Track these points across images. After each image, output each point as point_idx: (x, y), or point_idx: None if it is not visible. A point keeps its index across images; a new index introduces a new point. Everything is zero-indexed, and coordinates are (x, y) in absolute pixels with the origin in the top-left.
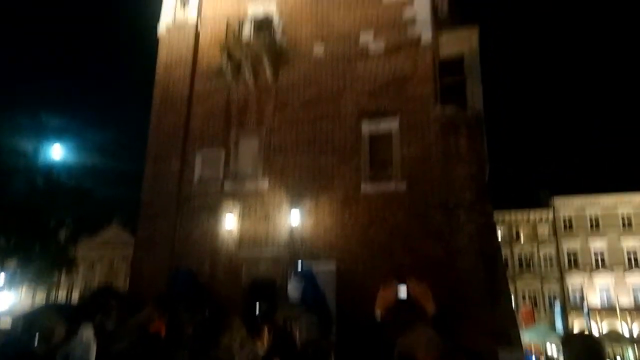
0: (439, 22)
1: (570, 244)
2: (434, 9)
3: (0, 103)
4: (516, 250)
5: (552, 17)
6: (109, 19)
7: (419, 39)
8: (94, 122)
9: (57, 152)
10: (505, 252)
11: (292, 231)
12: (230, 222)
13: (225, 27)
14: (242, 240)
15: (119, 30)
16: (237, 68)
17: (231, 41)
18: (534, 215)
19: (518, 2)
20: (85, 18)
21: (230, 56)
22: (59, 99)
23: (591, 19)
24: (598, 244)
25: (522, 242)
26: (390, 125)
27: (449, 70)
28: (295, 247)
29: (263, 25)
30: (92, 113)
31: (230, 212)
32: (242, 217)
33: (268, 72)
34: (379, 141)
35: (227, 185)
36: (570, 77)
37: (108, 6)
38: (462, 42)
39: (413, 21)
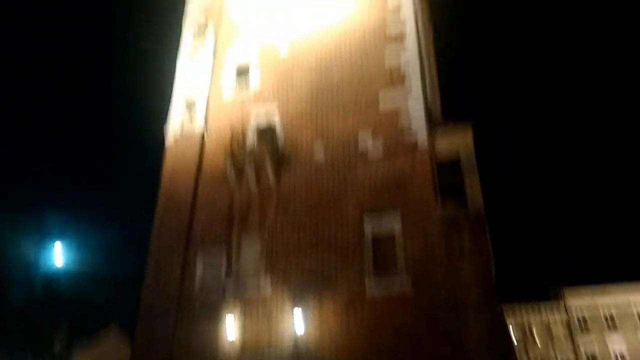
0: (434, 123)
1: (587, 344)
2: (428, 113)
3: (3, 205)
4: (532, 354)
5: (545, 104)
6: (116, 121)
7: (415, 144)
8: (96, 223)
9: (57, 256)
10: (519, 355)
11: (295, 336)
12: (231, 327)
13: (230, 135)
14: (244, 346)
15: (124, 132)
16: (240, 173)
17: (235, 148)
18: (546, 311)
19: (510, 94)
20: (92, 118)
21: (234, 162)
22: (60, 201)
23: (584, 99)
24: (616, 342)
25: (537, 344)
26: (393, 226)
27: (447, 169)
28: (299, 353)
29: (266, 132)
30: (94, 215)
31: (232, 316)
32: (244, 321)
33: (270, 176)
34: (382, 242)
35: (229, 289)
36: (572, 161)
37: (115, 108)
38: (457, 142)
39: (409, 127)
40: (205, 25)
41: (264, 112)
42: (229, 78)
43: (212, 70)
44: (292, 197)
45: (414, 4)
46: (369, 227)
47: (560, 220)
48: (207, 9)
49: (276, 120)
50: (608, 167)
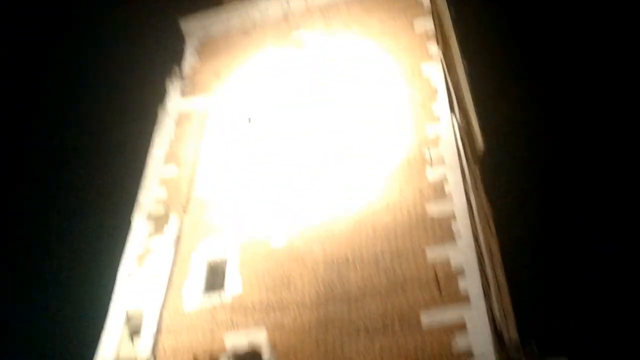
0: (508, 350)
1: None
2: (498, 335)
3: None
4: None
5: None
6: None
7: None
8: None
9: None
10: None
11: None
12: None
13: None
14: None
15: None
16: None
17: None
18: None
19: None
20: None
21: None
22: None
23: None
24: None
25: None
26: None
27: None
28: None
29: None
30: None
31: None
32: None
33: None
34: None
35: None
36: None
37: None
38: None
39: (469, 353)
40: (165, 219)
41: (246, 330)
42: (194, 282)
43: (171, 273)
44: None
45: (464, 175)
46: None
47: None
48: (169, 198)
49: (263, 339)
50: None
